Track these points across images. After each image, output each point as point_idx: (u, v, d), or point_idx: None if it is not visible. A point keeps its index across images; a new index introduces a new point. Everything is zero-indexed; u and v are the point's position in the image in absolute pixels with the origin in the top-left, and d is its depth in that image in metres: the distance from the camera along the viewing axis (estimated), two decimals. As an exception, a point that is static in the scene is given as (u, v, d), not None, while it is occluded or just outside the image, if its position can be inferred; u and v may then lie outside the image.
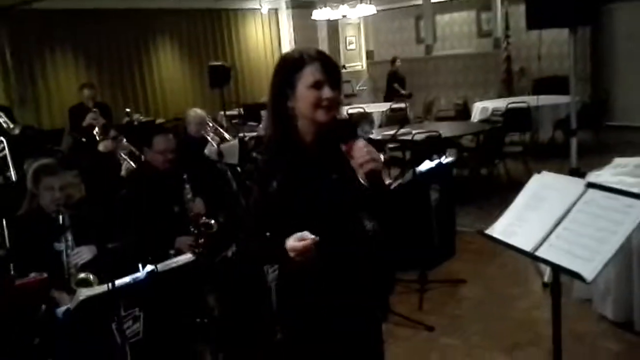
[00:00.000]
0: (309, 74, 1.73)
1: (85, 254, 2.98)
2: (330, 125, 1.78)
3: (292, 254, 1.73)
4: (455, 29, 12.55)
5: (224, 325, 3.56)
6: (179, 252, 3.45)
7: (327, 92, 1.73)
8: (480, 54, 11.71)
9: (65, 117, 7.84)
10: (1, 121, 4.95)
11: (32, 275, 2.59)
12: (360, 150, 1.70)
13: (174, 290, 2.93)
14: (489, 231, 2.25)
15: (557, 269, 2.11)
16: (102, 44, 9.88)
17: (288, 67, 1.78)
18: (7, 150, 4.38)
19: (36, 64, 9.17)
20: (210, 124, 5.46)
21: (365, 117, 5.12)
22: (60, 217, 2.93)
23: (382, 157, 1.92)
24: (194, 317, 3.41)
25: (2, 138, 4.54)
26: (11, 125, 4.94)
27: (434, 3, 11.92)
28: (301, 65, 1.75)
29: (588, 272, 1.87)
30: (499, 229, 2.25)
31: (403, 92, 10.36)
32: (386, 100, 10.34)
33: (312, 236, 1.71)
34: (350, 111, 8.38)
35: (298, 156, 1.79)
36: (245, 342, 3.50)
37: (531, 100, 7.93)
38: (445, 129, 6.82)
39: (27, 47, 9.03)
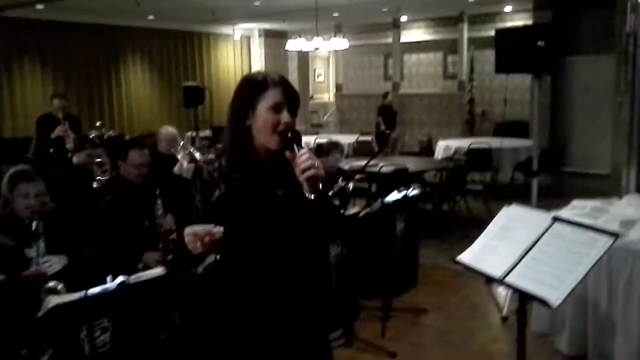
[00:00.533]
0: (271, 96, 1.78)
1: (55, 263, 2.94)
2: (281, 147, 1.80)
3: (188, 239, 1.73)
4: (422, 69, 12.94)
5: (186, 342, 3.54)
6: (147, 268, 3.44)
7: (285, 117, 1.77)
8: (445, 94, 12.08)
9: (29, 127, 7.75)
10: None
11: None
12: (301, 157, 1.71)
13: (142, 303, 2.92)
14: (460, 257, 2.34)
15: (524, 296, 2.21)
16: (72, 56, 9.81)
17: (251, 88, 1.82)
18: None
19: (3, 73, 9.03)
20: (181, 143, 5.46)
21: (336, 145, 5.22)
22: (34, 224, 2.90)
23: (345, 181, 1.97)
24: (159, 333, 3.40)
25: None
26: None
27: (403, 43, 12.30)
28: (264, 87, 1.79)
29: (554, 298, 1.97)
30: (470, 256, 2.35)
31: (383, 127, 10.31)
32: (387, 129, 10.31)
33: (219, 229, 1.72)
34: (319, 140, 8.50)
35: (248, 171, 1.82)
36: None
37: (493, 141, 8.23)
38: (411, 164, 6.99)
39: (-5, 56, 8.92)
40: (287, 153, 1.77)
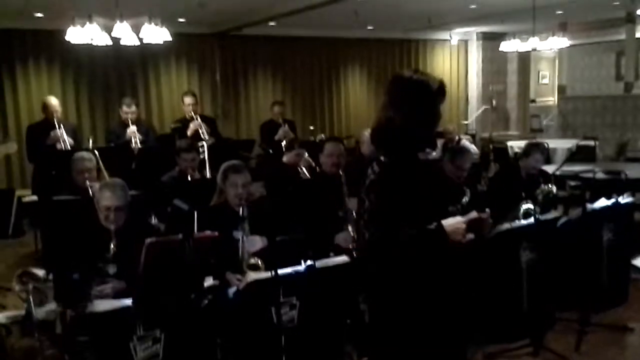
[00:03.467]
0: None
1: (257, 242, 3.38)
2: None
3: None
4: (662, 67, 11.52)
5: (371, 331, 3.74)
6: (338, 249, 3.73)
7: None
8: (690, 94, 10.61)
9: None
10: (201, 132, 5.89)
11: (207, 232, 3.01)
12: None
13: (328, 286, 3.20)
14: (636, 262, 2.16)
15: None
16: (297, 67, 10.75)
17: (435, 94, 2.06)
18: (206, 153, 5.09)
19: (240, 83, 10.28)
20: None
21: (537, 145, 5.00)
22: (241, 209, 3.38)
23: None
24: (345, 318, 3.66)
25: (203, 142, 5.29)
26: (207, 137, 5.96)
27: (639, 38, 11.08)
28: (443, 93, 2.06)
29: None
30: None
31: None
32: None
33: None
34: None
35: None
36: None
37: None
38: (635, 171, 6.35)
39: (234, 67, 10.18)
40: None
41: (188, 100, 6.36)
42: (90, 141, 5.58)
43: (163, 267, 2.57)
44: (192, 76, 9.80)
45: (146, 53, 8.82)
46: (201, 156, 4.98)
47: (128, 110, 5.97)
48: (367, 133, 5.57)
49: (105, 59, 8.58)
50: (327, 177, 4.10)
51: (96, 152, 4.72)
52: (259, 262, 3.28)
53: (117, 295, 2.75)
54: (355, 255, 3.42)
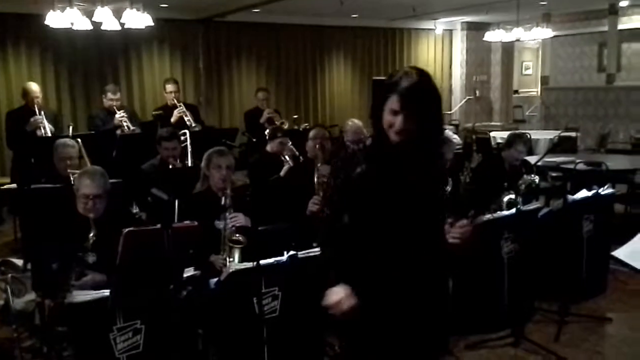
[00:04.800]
0: (391, 101, 1.93)
1: (241, 218, 3.37)
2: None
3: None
4: (644, 59, 11.62)
5: (353, 322, 3.75)
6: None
7: (399, 122, 1.92)
8: (671, 87, 10.72)
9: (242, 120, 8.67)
10: (187, 119, 5.85)
11: (186, 222, 2.99)
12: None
13: (311, 277, 3.18)
14: (616, 252, 2.18)
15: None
16: (282, 55, 10.68)
17: (383, 88, 1.99)
18: (188, 142, 5.04)
19: (223, 70, 10.19)
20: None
21: (520, 137, 5.03)
22: (223, 199, 3.35)
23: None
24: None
25: (185, 131, 5.24)
26: (193, 124, 5.98)
27: (621, 30, 11.16)
28: (389, 91, 1.94)
29: None
30: (627, 252, 2.18)
31: None
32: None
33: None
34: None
35: (384, 155, 1.98)
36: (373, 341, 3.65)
37: None
38: (616, 162, 6.42)
39: (217, 54, 10.08)
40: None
41: (170, 87, 6.30)
42: (71, 128, 5.49)
43: (141, 257, 2.53)
44: (175, 63, 9.68)
45: (128, 38, 8.70)
46: (184, 144, 4.92)
47: (113, 97, 5.89)
48: (350, 122, 5.55)
49: (86, 44, 8.45)
50: (311, 162, 4.08)
51: (79, 139, 4.64)
52: (241, 238, 3.27)
53: (97, 287, 2.71)
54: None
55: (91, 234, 3.10)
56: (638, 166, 6.78)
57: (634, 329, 3.97)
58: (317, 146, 4.10)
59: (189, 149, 4.92)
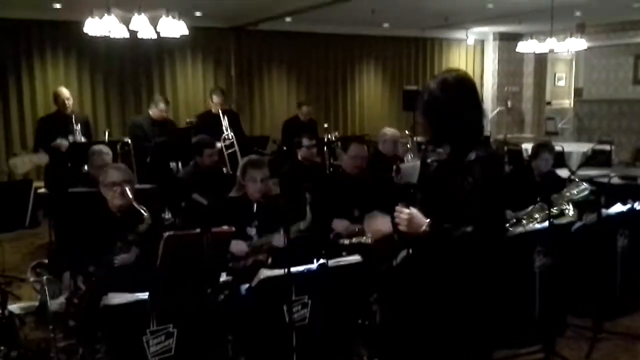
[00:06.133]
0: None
1: (281, 241, 3.40)
2: None
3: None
4: (681, 71, 11.38)
5: (382, 333, 3.74)
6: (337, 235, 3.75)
7: None
8: None
9: (274, 128, 8.74)
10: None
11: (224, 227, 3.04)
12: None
13: (340, 286, 3.20)
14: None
15: None
16: (312, 64, 10.74)
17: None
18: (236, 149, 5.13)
19: (255, 78, 10.28)
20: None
21: (545, 145, 4.98)
22: (255, 205, 3.39)
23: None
24: (357, 318, 3.65)
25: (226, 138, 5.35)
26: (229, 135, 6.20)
27: (658, 41, 10.97)
28: None
29: None
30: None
31: None
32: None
33: None
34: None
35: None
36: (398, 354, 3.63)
37: None
38: (651, 176, 6.29)
39: (249, 62, 10.19)
40: None
41: (216, 98, 6.52)
42: (107, 134, 5.60)
43: (180, 261, 2.58)
44: (208, 70, 9.81)
45: (162, 46, 8.86)
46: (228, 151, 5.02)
47: (164, 109, 6.08)
48: (387, 131, 5.53)
49: (122, 52, 8.62)
50: (347, 176, 4.10)
51: (117, 146, 4.75)
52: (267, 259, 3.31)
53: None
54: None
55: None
56: (674, 181, 6.64)
57: (669, 347, 3.87)
58: (356, 165, 4.09)
59: (226, 157, 5.01)
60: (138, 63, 9.08)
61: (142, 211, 3.14)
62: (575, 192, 4.65)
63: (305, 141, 5.39)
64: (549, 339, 3.77)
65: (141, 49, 8.57)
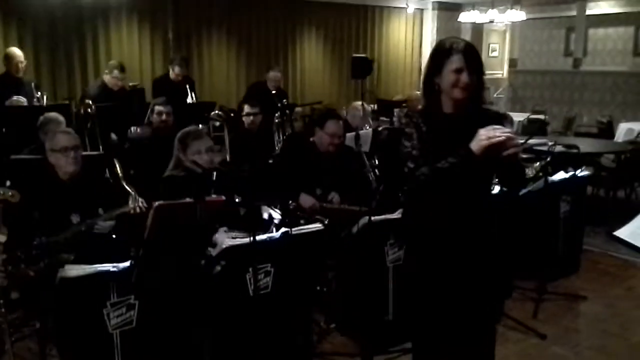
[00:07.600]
0: (453, 61, 2.14)
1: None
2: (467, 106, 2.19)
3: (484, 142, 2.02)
4: (609, 45, 11.88)
5: (338, 299, 3.76)
6: (299, 207, 3.70)
7: (464, 77, 2.13)
8: (635, 73, 11.01)
9: (214, 93, 8.51)
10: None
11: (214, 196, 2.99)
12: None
13: (302, 254, 3.18)
14: (618, 232, 2.24)
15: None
16: (253, 29, 10.49)
17: (439, 54, 2.20)
18: None
19: (193, 43, 9.93)
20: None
21: (506, 117, 5.10)
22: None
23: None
24: (314, 285, 3.66)
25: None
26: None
27: (589, 16, 11.38)
28: (449, 54, 2.15)
29: None
30: (629, 232, 2.23)
31: None
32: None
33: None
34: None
35: (437, 120, 2.22)
36: (356, 318, 3.67)
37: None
38: (585, 145, 6.57)
39: (187, 26, 9.82)
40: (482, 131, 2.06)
41: (179, 70, 6.47)
42: (45, 97, 5.26)
43: (170, 231, 2.48)
44: (144, 34, 9.39)
45: (96, 8, 8.40)
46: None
47: (119, 76, 5.91)
48: (358, 106, 5.48)
49: (53, 13, 8.11)
50: (317, 152, 4.03)
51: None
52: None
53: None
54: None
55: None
56: (604, 149, 6.98)
57: (607, 306, 4.11)
58: (332, 143, 3.99)
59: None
60: (70, 25, 8.57)
61: (130, 190, 3.03)
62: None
63: (247, 108, 5.22)
64: (497, 301, 3.90)
65: (73, 10, 8.09)
